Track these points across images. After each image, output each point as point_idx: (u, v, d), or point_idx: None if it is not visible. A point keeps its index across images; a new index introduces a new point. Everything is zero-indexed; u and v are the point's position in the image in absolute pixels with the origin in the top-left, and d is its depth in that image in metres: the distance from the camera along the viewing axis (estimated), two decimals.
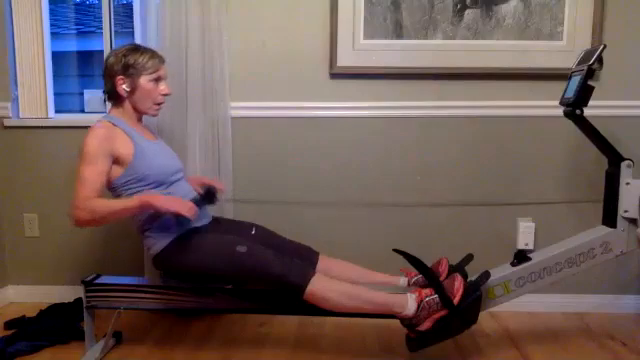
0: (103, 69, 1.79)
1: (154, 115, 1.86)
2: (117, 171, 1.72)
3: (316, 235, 2.16)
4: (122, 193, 1.74)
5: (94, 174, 1.65)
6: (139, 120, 1.87)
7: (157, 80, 1.80)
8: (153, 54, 1.79)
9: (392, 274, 1.92)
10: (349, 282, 1.74)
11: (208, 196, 1.84)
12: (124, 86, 1.76)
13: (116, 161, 1.71)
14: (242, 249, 1.71)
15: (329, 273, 1.79)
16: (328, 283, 1.69)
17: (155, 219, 1.76)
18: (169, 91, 1.84)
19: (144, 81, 1.77)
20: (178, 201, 1.69)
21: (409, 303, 1.67)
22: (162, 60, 1.82)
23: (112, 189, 1.76)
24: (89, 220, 1.65)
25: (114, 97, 1.80)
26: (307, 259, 1.87)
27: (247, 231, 1.92)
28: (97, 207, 1.64)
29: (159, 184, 1.77)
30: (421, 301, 1.66)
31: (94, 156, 1.66)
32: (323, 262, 1.90)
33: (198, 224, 1.81)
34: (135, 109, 1.81)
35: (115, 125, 1.75)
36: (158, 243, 1.76)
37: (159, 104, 1.84)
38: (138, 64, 1.75)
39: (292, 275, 1.66)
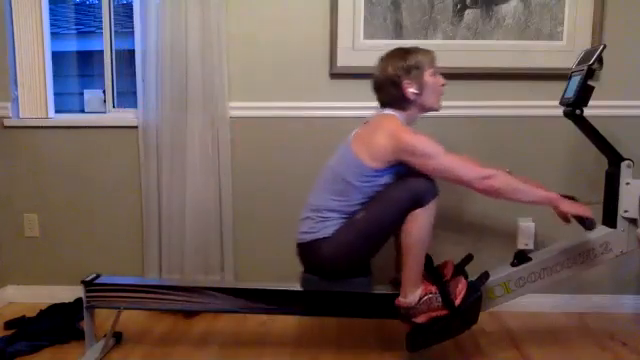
0: (380, 80, 1.76)
1: (438, 109, 1.81)
2: (387, 161, 1.67)
3: None
4: (362, 180, 1.69)
5: (451, 155, 1.66)
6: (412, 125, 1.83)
7: (434, 73, 1.77)
8: (421, 49, 1.77)
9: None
10: None
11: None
12: (412, 89, 1.73)
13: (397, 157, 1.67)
14: (360, 214, 1.68)
15: None
16: (431, 216, 1.66)
17: (357, 208, 1.71)
18: (445, 81, 1.80)
19: (428, 77, 1.74)
20: (577, 204, 1.70)
21: (416, 292, 1.68)
22: (432, 51, 1.80)
23: (365, 170, 1.68)
24: (498, 189, 1.64)
25: (398, 103, 1.76)
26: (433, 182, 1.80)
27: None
28: (505, 179, 1.65)
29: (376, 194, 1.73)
30: (424, 295, 1.68)
31: (431, 145, 1.66)
32: None
33: None
34: (422, 108, 1.78)
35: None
36: (329, 228, 1.71)
37: (440, 96, 1.80)
38: (419, 63, 1.73)
39: (421, 186, 1.64)
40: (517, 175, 1.77)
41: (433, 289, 1.69)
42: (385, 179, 1.69)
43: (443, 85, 1.78)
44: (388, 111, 1.77)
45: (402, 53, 1.75)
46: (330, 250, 1.70)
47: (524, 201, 1.69)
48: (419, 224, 1.64)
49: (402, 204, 1.64)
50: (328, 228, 1.71)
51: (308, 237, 1.74)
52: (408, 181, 1.66)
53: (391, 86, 1.74)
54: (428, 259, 1.77)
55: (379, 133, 1.68)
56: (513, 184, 1.66)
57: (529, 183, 1.74)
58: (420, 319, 1.68)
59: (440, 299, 1.68)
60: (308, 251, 1.75)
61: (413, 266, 1.68)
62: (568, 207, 1.68)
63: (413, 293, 1.69)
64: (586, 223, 1.68)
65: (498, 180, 1.64)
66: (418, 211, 1.63)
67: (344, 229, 1.70)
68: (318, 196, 1.77)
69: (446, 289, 1.69)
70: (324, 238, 1.70)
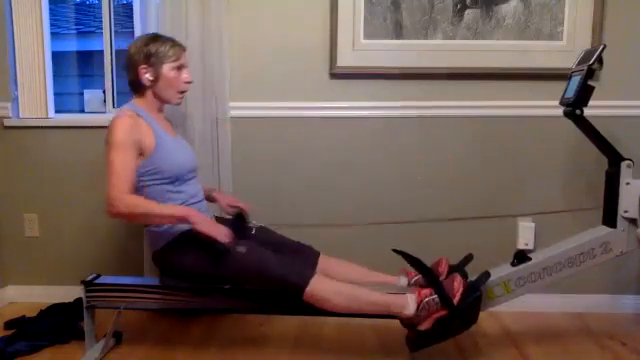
0: (125, 59, 1.78)
1: (177, 104, 1.85)
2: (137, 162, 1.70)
3: (316, 235, 2.15)
4: (136, 185, 1.71)
5: (126, 164, 1.64)
6: (160, 111, 1.86)
7: (179, 68, 1.78)
8: (174, 42, 1.79)
9: (392, 274, 1.92)
10: (349, 282, 1.74)
11: (239, 219, 1.87)
12: (147, 75, 1.75)
13: (139, 152, 1.70)
14: (242, 249, 1.70)
15: (329, 272, 1.79)
16: (328, 284, 1.68)
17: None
18: (191, 79, 1.83)
19: (167, 69, 1.76)
20: (215, 225, 1.69)
21: (409, 303, 1.67)
22: (183, 48, 1.81)
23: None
24: (125, 214, 1.63)
25: (137, 87, 1.79)
26: (308, 259, 1.87)
27: (247, 231, 1.92)
28: (136, 204, 1.63)
29: (174, 180, 1.76)
30: (421, 301, 1.66)
31: (124, 144, 1.65)
32: (323, 261, 1.90)
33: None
34: (159, 98, 1.80)
35: (139, 115, 1.74)
36: (161, 240, 1.76)
37: (182, 92, 1.83)
38: (160, 52, 1.74)
39: (292, 276, 1.66)
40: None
41: (427, 292, 1.68)
42: (150, 175, 1.72)
43: (187, 83, 1.81)
44: (126, 105, 1.80)
45: (151, 39, 1.78)
46: (185, 262, 1.75)
47: (155, 221, 1.71)
48: (324, 301, 1.66)
49: (275, 284, 1.69)
50: (158, 240, 1.76)
51: (153, 248, 1.80)
52: (283, 268, 1.67)
53: (130, 66, 1.77)
54: (418, 262, 1.73)
55: None
56: (138, 208, 1.63)
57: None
58: (425, 325, 1.66)
59: (437, 299, 1.66)
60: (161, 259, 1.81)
61: (373, 309, 1.70)
62: (200, 225, 1.64)
63: (406, 306, 1.67)
64: (216, 246, 1.67)
65: (123, 206, 1.61)
66: (306, 292, 1.65)
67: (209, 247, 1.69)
68: None
69: (442, 288, 1.68)
70: (169, 246, 1.75)
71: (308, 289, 1.65)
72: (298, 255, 1.84)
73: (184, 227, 1.73)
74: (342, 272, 1.85)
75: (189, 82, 1.83)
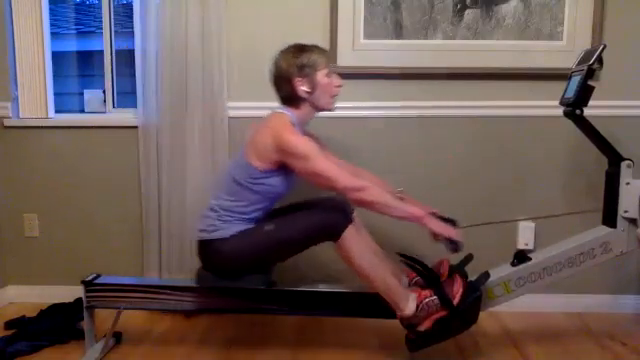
0: (275, 76, 1.77)
1: (332, 109, 1.83)
2: (272, 161, 1.69)
3: None
4: (249, 182, 1.71)
5: (330, 162, 1.67)
6: (306, 124, 1.85)
7: (329, 74, 1.78)
8: (319, 49, 1.78)
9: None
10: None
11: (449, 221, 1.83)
12: (303, 87, 1.74)
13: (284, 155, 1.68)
14: (269, 227, 1.70)
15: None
16: (358, 243, 1.68)
17: (254, 211, 1.74)
18: (341, 82, 1.82)
19: (320, 77, 1.75)
20: (446, 226, 1.71)
21: (409, 303, 1.68)
22: (328, 53, 1.81)
23: (251, 170, 1.71)
24: (368, 202, 1.65)
25: (292, 100, 1.77)
26: (346, 209, 1.79)
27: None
28: (379, 194, 1.67)
29: (273, 197, 1.77)
30: (420, 302, 1.67)
31: (314, 149, 1.66)
32: (356, 221, 1.83)
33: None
34: (315, 107, 1.79)
35: (293, 125, 1.73)
36: (228, 229, 1.73)
37: (334, 97, 1.82)
38: (312, 62, 1.73)
39: (331, 218, 1.66)
40: (406, 194, 1.85)
41: (428, 293, 1.68)
42: (274, 180, 1.71)
43: (338, 87, 1.79)
44: (281, 110, 1.78)
45: (297, 50, 1.75)
46: (228, 252, 1.72)
47: (393, 216, 1.70)
48: (349, 255, 1.67)
49: (311, 234, 1.68)
50: (225, 229, 1.72)
51: (206, 236, 1.75)
52: (319, 210, 1.69)
53: (283, 81, 1.75)
54: (420, 263, 1.75)
55: (264, 131, 1.70)
56: (382, 199, 1.66)
57: (409, 201, 1.77)
58: (424, 326, 1.67)
59: (437, 301, 1.67)
60: (207, 249, 1.77)
61: (383, 289, 1.69)
62: (435, 226, 1.69)
63: (407, 304, 1.68)
64: (451, 245, 1.70)
65: (368, 194, 1.65)
66: (339, 244, 1.66)
67: (248, 235, 1.71)
68: (216, 195, 1.79)
69: (442, 289, 1.68)
70: (222, 239, 1.72)
71: (343, 236, 1.64)
72: (336, 205, 1.79)
73: (241, 227, 1.73)
74: (368, 241, 1.85)
75: (340, 86, 1.81)
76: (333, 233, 1.65)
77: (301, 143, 1.65)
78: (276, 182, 1.72)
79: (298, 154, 1.65)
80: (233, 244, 1.71)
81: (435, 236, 1.72)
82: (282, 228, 1.70)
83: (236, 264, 1.75)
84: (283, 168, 1.70)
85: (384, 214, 1.69)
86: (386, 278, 1.69)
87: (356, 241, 1.67)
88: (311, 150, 1.65)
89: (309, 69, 1.73)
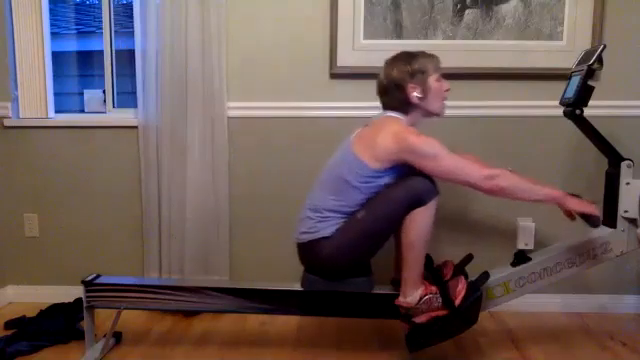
0: (386, 85, 1.75)
1: (442, 114, 1.81)
2: (390, 162, 1.68)
3: None
4: (361, 181, 1.69)
5: (457, 157, 1.66)
6: None
7: (439, 79, 1.77)
8: (428, 55, 1.78)
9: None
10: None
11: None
12: (416, 93, 1.73)
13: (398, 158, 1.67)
14: (361, 214, 1.69)
15: None
16: (425, 224, 1.66)
17: (356, 206, 1.71)
18: (449, 86, 1.80)
19: (432, 82, 1.74)
20: (585, 202, 1.69)
21: (415, 293, 1.69)
22: (437, 59, 1.80)
23: (367, 170, 1.69)
24: (505, 187, 1.63)
25: (401, 107, 1.76)
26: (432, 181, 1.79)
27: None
28: (516, 180, 1.65)
29: (374, 194, 1.73)
30: (425, 294, 1.68)
31: (440, 146, 1.66)
32: None
33: None
34: (426, 113, 1.78)
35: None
36: (329, 228, 1.71)
37: (444, 100, 1.81)
38: (423, 67, 1.73)
39: (425, 184, 1.64)
40: (520, 174, 1.76)
41: (434, 289, 1.70)
42: (385, 180, 1.69)
43: (447, 90, 1.78)
44: (392, 114, 1.77)
45: (407, 57, 1.75)
46: (330, 250, 1.70)
47: (529, 200, 1.69)
48: (419, 223, 1.65)
49: (402, 203, 1.65)
50: (327, 228, 1.71)
51: (307, 237, 1.74)
52: (409, 181, 1.66)
53: (395, 90, 1.74)
54: (428, 259, 1.77)
55: (383, 134, 1.68)
56: (518, 183, 1.66)
57: (532, 182, 1.73)
58: (420, 319, 1.68)
59: (440, 299, 1.68)
60: (308, 251, 1.75)
61: (413, 266, 1.68)
62: (575, 205, 1.67)
63: (413, 293, 1.69)
64: (591, 221, 1.68)
65: (503, 179, 1.64)
66: (418, 210, 1.64)
67: (344, 229, 1.70)
68: (317, 196, 1.77)
69: (446, 289, 1.70)
70: (324, 238, 1.70)
71: (430, 204, 1.63)
72: (423, 177, 1.74)
73: (340, 223, 1.71)
74: None
75: (449, 89, 1.80)
76: (424, 199, 1.63)
77: (426, 143, 1.65)
78: (387, 181, 1.70)
79: (424, 154, 1.64)
80: (337, 240, 1.69)
81: (570, 215, 1.72)
82: (374, 208, 1.68)
83: (337, 261, 1.72)
84: (398, 167, 1.69)
85: (517, 199, 1.68)
86: (422, 259, 1.69)
87: (431, 213, 1.66)
88: (440, 149, 1.65)
89: (421, 75, 1.73)
